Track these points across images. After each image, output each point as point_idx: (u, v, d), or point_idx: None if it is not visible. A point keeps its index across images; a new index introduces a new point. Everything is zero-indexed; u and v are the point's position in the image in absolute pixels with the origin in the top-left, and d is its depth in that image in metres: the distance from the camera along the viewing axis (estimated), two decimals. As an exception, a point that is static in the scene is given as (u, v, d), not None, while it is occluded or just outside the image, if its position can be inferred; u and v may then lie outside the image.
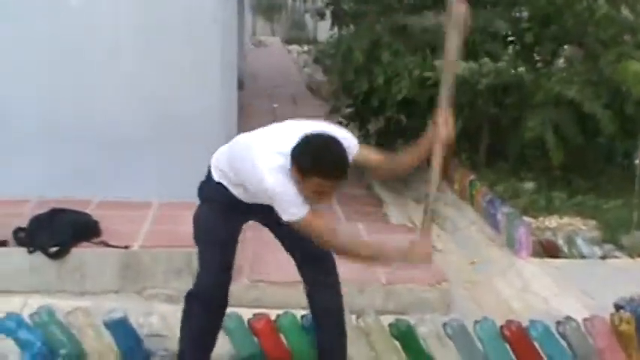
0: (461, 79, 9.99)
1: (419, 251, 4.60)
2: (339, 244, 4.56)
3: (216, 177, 4.84)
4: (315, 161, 4.30)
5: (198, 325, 4.98)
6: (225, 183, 4.78)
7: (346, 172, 4.39)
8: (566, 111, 10.18)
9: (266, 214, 4.82)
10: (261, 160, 4.39)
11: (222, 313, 5.04)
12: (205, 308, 4.93)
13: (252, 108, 13.51)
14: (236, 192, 4.76)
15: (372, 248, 4.81)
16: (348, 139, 4.60)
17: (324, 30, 20.86)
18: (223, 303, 4.97)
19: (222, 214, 4.82)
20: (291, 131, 4.51)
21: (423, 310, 6.38)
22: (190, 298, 4.97)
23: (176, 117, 8.17)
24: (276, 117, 12.69)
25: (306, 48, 28.33)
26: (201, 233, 4.99)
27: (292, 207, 4.38)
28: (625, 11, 10.80)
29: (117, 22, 8.13)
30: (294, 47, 30.90)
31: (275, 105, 14.43)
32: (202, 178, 5.02)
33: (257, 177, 4.40)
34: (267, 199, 4.45)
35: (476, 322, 5.80)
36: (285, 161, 4.35)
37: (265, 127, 4.76)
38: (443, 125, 4.63)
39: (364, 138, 12.41)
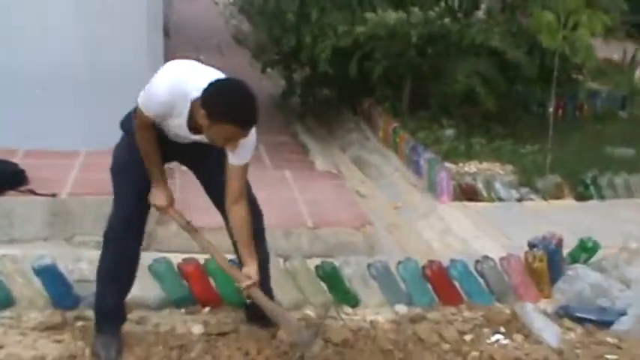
0: (391, 29, 10.10)
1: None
2: (137, 130, 4.63)
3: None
4: (228, 109, 4.30)
5: (114, 263, 4.90)
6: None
7: (257, 119, 4.40)
8: (489, 60, 10.31)
9: (187, 157, 4.96)
10: (169, 78, 4.41)
11: (138, 250, 4.96)
12: (120, 243, 4.85)
13: (178, 57, 13.41)
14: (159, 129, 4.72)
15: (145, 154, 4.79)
16: None
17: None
18: (138, 238, 4.93)
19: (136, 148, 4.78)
20: (200, 73, 4.52)
21: (348, 253, 6.43)
22: (106, 233, 4.89)
23: (103, 64, 8.07)
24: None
25: (231, 0, 28.16)
26: (118, 166, 4.93)
27: (143, 97, 4.47)
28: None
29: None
30: (221, 0, 30.68)
31: (201, 57, 14.39)
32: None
33: (156, 78, 4.43)
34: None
35: (399, 262, 5.92)
36: (181, 95, 4.39)
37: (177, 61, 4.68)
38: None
39: (289, 87, 12.47)
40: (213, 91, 4.32)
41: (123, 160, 4.88)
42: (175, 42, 15.99)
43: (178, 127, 4.59)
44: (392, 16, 10.25)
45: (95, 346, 4.80)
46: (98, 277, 4.96)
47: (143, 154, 4.72)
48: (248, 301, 5.16)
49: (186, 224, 4.94)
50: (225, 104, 4.30)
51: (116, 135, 5.03)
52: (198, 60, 4.91)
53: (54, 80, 7.98)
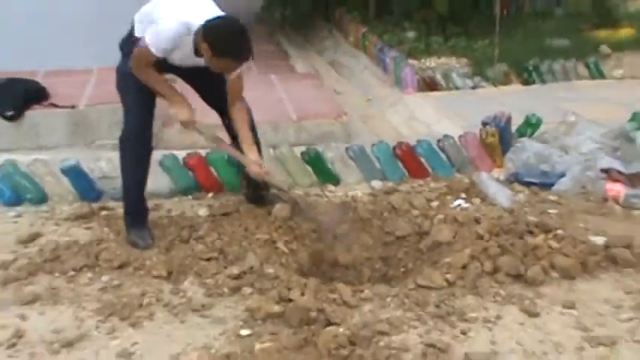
0: None
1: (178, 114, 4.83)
2: (138, 69, 4.65)
3: (138, 32, 4.74)
4: (227, 47, 4.39)
5: (132, 163, 4.91)
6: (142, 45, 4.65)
7: (252, 55, 4.49)
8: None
9: (188, 74, 4.92)
10: (176, 16, 4.45)
11: (150, 149, 4.95)
12: (135, 146, 4.87)
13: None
14: None
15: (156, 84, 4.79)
16: None
17: None
18: (149, 140, 4.91)
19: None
20: (198, 6, 4.56)
21: (328, 140, 6.46)
22: (122, 141, 4.89)
23: None
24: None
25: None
26: (122, 82, 4.90)
27: (150, 39, 4.48)
28: None
29: None
30: None
31: None
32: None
33: (163, 18, 4.46)
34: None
35: (373, 145, 5.96)
36: (185, 30, 4.44)
37: None
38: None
39: (270, 2, 12.35)
40: (215, 30, 4.40)
41: (127, 74, 4.81)
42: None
43: (185, 56, 4.63)
44: None
45: (130, 237, 4.83)
46: (124, 180, 4.96)
47: (152, 85, 4.74)
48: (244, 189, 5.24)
49: (211, 135, 4.98)
50: (226, 43, 4.39)
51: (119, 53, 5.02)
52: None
53: (69, 12, 7.92)
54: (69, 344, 3.74)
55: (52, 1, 7.92)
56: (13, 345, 3.75)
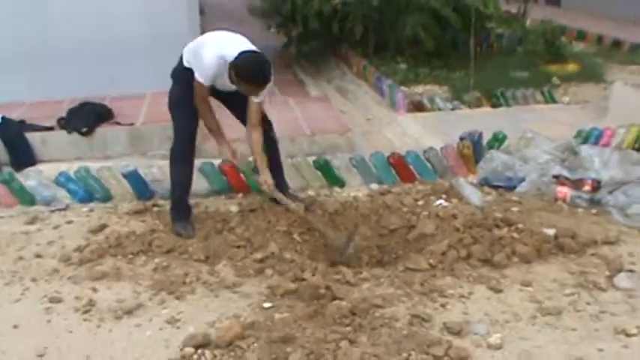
0: None
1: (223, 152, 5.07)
2: (198, 103, 4.73)
3: (186, 64, 4.80)
4: (252, 74, 4.53)
5: (179, 169, 4.94)
6: (192, 67, 4.74)
7: (270, 80, 4.63)
8: (428, 15, 10.14)
9: (225, 97, 4.96)
10: (214, 52, 4.57)
11: (193, 158, 4.98)
12: (182, 157, 4.91)
13: (210, 27, 13.21)
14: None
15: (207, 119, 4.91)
16: None
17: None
18: (193, 151, 4.94)
19: (187, 91, 4.75)
20: (237, 44, 4.66)
21: (335, 151, 6.40)
22: (172, 151, 4.93)
23: (160, 34, 7.86)
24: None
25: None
26: (173, 104, 4.94)
27: (200, 74, 4.62)
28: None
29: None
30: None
31: (226, 25, 14.07)
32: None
33: (205, 54, 4.60)
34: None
35: (371, 155, 5.89)
36: (223, 62, 4.55)
37: (216, 33, 4.87)
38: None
39: (289, 42, 12.29)
40: (241, 61, 4.50)
41: (177, 98, 4.90)
42: (209, 17, 15.72)
43: (223, 83, 4.71)
44: None
45: (175, 228, 4.83)
46: (171, 183, 5.00)
47: (205, 119, 4.87)
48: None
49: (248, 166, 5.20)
50: (249, 71, 4.52)
51: (168, 80, 5.03)
52: (226, 29, 4.92)
53: (127, 48, 7.85)
54: (129, 312, 3.78)
55: (116, 36, 7.88)
56: (87, 311, 3.82)
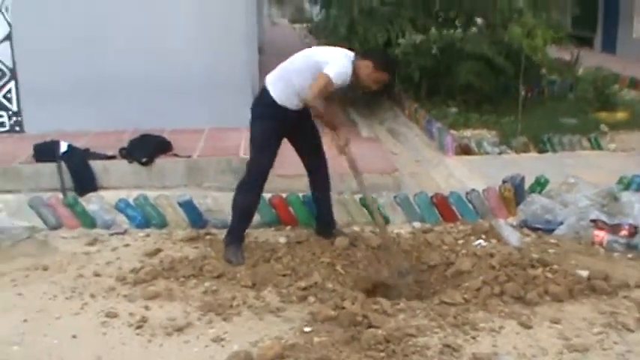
0: (416, 46, 10.25)
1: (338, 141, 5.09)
2: (315, 100, 4.82)
3: (273, 93, 4.98)
4: (389, 64, 5.09)
5: (246, 206, 5.16)
6: (281, 96, 4.95)
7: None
8: (484, 63, 10.33)
9: (294, 127, 5.13)
10: (341, 55, 4.97)
11: (261, 193, 5.21)
12: (252, 194, 5.13)
13: (268, 66, 13.56)
14: (288, 99, 4.96)
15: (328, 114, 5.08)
16: None
17: (317, 12, 20.75)
18: (262, 188, 5.15)
19: (273, 127, 4.99)
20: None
21: (383, 189, 6.48)
22: (241, 186, 5.14)
23: (218, 73, 8.25)
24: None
25: (305, 25, 28.06)
26: (257, 141, 5.07)
27: (334, 72, 4.76)
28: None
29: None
30: (297, 25, 30.57)
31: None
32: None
33: (334, 58, 4.88)
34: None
35: (415, 194, 6.07)
36: (351, 60, 4.90)
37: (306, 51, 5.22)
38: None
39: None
40: (379, 52, 5.57)
41: (260, 134, 5.05)
42: (267, 56, 16.13)
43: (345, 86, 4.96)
44: (417, 37, 10.41)
45: (227, 254, 5.05)
46: (234, 213, 5.18)
47: (325, 112, 5.01)
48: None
49: (352, 162, 5.23)
50: (387, 60, 5.17)
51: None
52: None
53: (187, 84, 8.23)
54: (179, 329, 4.04)
55: (178, 75, 8.25)
56: (140, 327, 4.09)
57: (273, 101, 4.99)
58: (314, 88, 4.77)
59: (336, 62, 4.81)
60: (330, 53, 4.98)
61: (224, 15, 8.30)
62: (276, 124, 5.01)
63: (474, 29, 11.52)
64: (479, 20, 11.62)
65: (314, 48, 5.19)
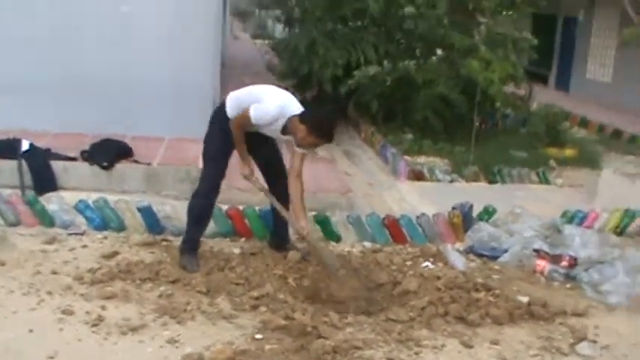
0: (372, 77, 10.51)
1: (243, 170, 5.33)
2: (235, 129, 5.08)
3: (228, 111, 5.18)
4: (325, 128, 4.97)
5: (200, 214, 5.31)
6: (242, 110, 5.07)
7: (333, 140, 5.20)
8: (440, 99, 10.64)
9: (255, 144, 5.29)
10: (277, 103, 4.99)
11: (213, 206, 5.39)
12: (205, 203, 5.28)
13: (230, 79, 13.69)
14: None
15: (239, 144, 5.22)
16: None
17: (280, 29, 21.02)
18: (215, 199, 5.32)
19: (224, 141, 5.17)
20: (295, 103, 5.14)
21: (335, 209, 6.70)
22: (196, 196, 5.29)
23: (181, 83, 8.39)
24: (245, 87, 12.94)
25: (266, 42, 28.28)
26: (207, 154, 5.29)
27: (256, 112, 4.93)
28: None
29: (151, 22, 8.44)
30: (259, 41, 30.80)
31: (245, 79, 14.60)
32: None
33: (267, 101, 4.98)
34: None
35: (367, 215, 6.27)
36: (281, 114, 4.96)
37: (275, 88, 5.33)
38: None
39: (303, 102, 12.72)
40: (317, 117, 5.00)
41: (213, 147, 5.25)
42: (229, 69, 16.28)
43: (272, 130, 5.10)
44: (372, 69, 10.67)
45: (182, 261, 5.19)
46: (189, 222, 5.33)
47: (237, 142, 5.16)
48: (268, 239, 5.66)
49: (262, 188, 5.44)
50: (325, 127, 4.97)
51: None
52: (243, 82, 5.37)
53: (148, 92, 8.34)
54: (134, 329, 4.18)
55: (139, 83, 8.34)
56: (96, 325, 4.22)
57: (228, 118, 5.19)
58: (235, 118, 5.08)
59: (264, 104, 4.98)
60: (269, 96, 5.08)
61: (191, 27, 8.45)
62: (229, 137, 5.18)
63: (433, 59, 11.86)
64: (439, 51, 11.97)
65: (267, 87, 5.28)
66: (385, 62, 10.80)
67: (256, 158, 5.47)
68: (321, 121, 4.97)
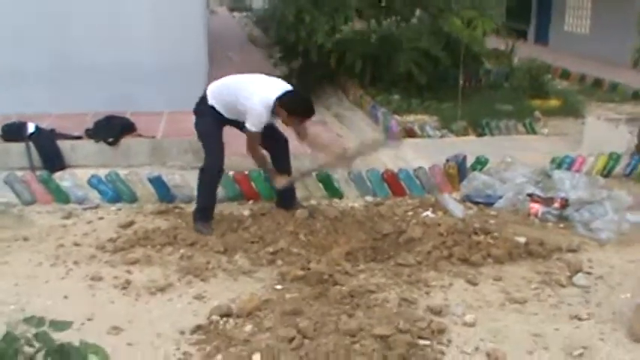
0: (358, 34, 10.71)
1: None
2: (250, 144, 5.41)
3: (210, 102, 5.45)
4: (301, 108, 5.30)
5: (209, 186, 5.54)
6: (217, 106, 5.42)
7: (314, 113, 5.47)
8: (422, 54, 10.87)
9: (238, 124, 5.53)
10: (258, 99, 5.22)
11: (221, 178, 5.63)
12: (212, 176, 5.51)
13: (215, 54, 13.82)
14: (223, 111, 5.44)
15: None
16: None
17: (257, 1, 21.12)
18: (222, 171, 5.56)
19: (213, 122, 5.46)
20: (271, 85, 5.36)
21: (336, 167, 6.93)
22: (204, 170, 5.51)
23: (176, 59, 8.62)
24: (232, 61, 13.09)
25: (244, 14, 28.40)
26: (203, 135, 5.57)
27: (253, 125, 5.23)
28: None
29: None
30: (236, 14, 30.87)
31: (230, 53, 14.79)
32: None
33: (251, 104, 5.22)
34: (244, 116, 5.28)
35: (367, 170, 6.49)
36: (269, 106, 5.22)
37: (249, 76, 5.55)
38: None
39: (290, 72, 12.95)
40: (290, 99, 5.26)
41: (205, 128, 5.53)
42: (212, 44, 16.38)
43: (272, 119, 5.40)
44: (357, 26, 10.87)
45: (196, 226, 5.43)
46: (200, 195, 5.56)
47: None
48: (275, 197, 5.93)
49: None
50: (300, 107, 5.31)
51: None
52: (229, 57, 5.61)
53: (147, 69, 8.57)
54: (161, 289, 4.43)
55: (137, 61, 8.57)
56: (125, 288, 4.46)
57: (211, 107, 5.48)
58: (248, 142, 5.43)
59: (251, 114, 5.25)
60: (249, 95, 5.28)
61: (181, 4, 8.63)
62: (215, 118, 5.48)
63: (414, 20, 12.08)
64: (418, 11, 12.18)
65: (243, 81, 5.49)
66: (372, 21, 11.00)
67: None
68: (296, 103, 5.32)
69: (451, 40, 10.65)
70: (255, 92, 5.27)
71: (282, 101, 5.24)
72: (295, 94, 5.34)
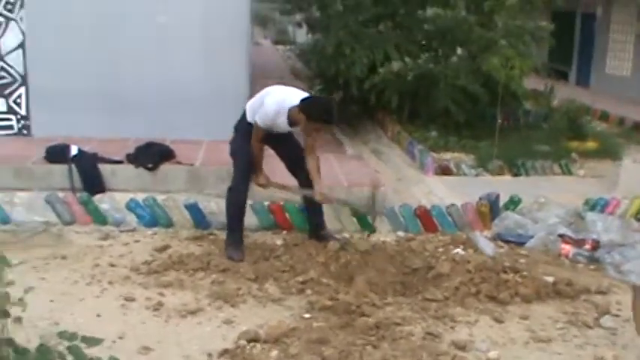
0: (396, 74, 10.81)
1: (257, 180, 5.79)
2: (253, 141, 5.56)
3: (249, 118, 5.62)
4: (320, 113, 5.32)
5: (235, 205, 5.70)
6: (252, 121, 5.55)
7: (335, 121, 5.45)
8: (460, 90, 10.92)
9: (275, 143, 5.73)
10: (273, 100, 5.41)
11: (247, 197, 5.76)
12: (239, 196, 5.67)
13: (256, 86, 13.95)
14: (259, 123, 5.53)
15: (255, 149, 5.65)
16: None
17: (301, 34, 21.40)
18: (247, 191, 5.73)
19: (246, 141, 5.60)
20: (295, 94, 5.48)
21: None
22: (230, 190, 5.70)
23: (217, 88, 8.73)
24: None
25: (288, 47, 28.73)
26: (234, 152, 5.74)
27: (260, 118, 5.42)
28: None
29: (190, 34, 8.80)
30: (280, 47, 31.23)
31: (270, 83, 14.73)
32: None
33: (266, 101, 5.42)
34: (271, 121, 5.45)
35: (400, 206, 6.59)
36: (281, 108, 5.36)
37: (277, 86, 5.72)
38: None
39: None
40: (309, 103, 5.33)
41: (239, 146, 5.70)
42: (255, 75, 16.60)
43: (281, 126, 5.49)
44: (395, 65, 10.97)
45: (228, 252, 5.55)
46: (228, 215, 5.72)
47: (255, 155, 5.63)
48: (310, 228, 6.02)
49: (279, 185, 5.90)
50: (319, 112, 5.32)
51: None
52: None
53: (189, 96, 8.68)
54: (192, 312, 4.54)
55: (180, 87, 8.68)
56: (157, 309, 4.57)
57: (249, 123, 5.64)
58: (253, 133, 5.55)
59: (264, 109, 5.41)
60: (269, 96, 5.49)
61: (227, 34, 8.77)
62: (249, 137, 5.61)
63: (454, 58, 12.14)
64: (459, 50, 12.25)
65: (269, 88, 5.68)
66: (407, 59, 11.08)
67: (280, 156, 5.92)
68: (317, 107, 5.34)
69: (490, 79, 10.68)
70: (275, 95, 5.47)
71: (303, 104, 5.33)
72: (318, 99, 5.47)
